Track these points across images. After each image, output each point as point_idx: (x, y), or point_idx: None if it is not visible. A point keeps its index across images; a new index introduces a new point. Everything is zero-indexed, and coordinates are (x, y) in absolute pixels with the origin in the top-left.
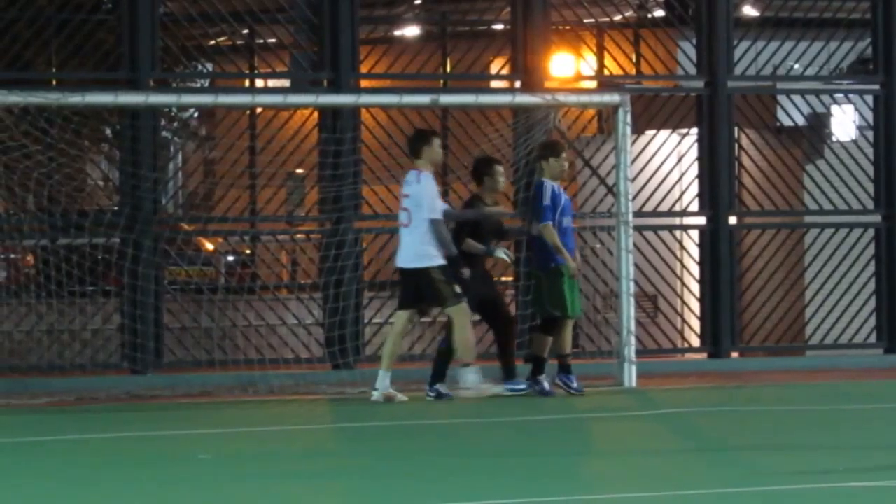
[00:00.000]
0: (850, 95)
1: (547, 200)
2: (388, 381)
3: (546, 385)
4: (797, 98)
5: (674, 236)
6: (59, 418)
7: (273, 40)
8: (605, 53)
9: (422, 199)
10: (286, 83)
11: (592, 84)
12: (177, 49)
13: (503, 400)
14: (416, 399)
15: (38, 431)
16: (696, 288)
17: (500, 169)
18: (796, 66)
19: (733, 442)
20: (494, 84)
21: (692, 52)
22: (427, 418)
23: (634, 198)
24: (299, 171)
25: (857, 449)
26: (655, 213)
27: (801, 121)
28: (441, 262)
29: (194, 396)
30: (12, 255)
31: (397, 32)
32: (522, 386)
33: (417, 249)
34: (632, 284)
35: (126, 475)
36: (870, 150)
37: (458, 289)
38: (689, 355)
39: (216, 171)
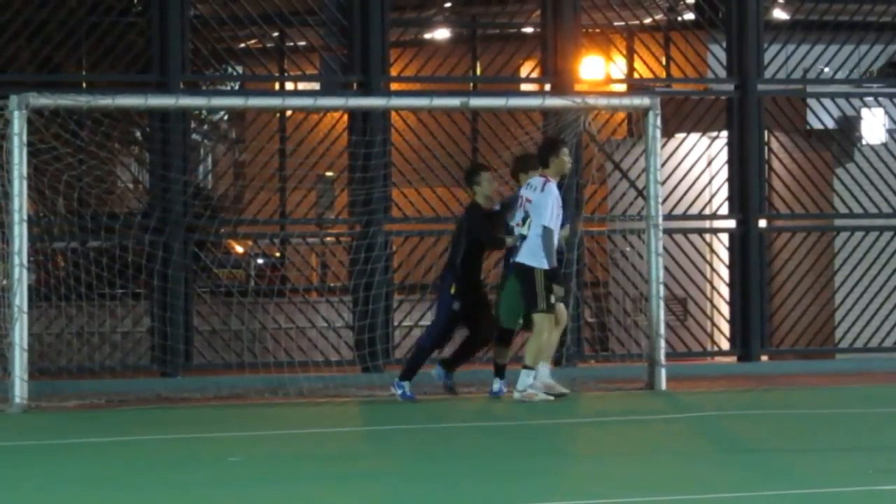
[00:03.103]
0: (880, 98)
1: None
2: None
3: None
4: (827, 101)
5: (703, 239)
6: (89, 420)
7: (303, 43)
8: (635, 56)
9: (542, 206)
10: (316, 86)
11: (622, 87)
12: (207, 52)
13: (531, 403)
14: (441, 401)
15: (68, 434)
16: (725, 291)
17: (487, 176)
18: (826, 69)
19: (763, 445)
20: (524, 87)
21: (722, 55)
22: (454, 421)
23: (664, 201)
24: (329, 173)
25: (887, 451)
26: (685, 217)
27: (830, 124)
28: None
29: (224, 399)
30: (42, 258)
31: (427, 35)
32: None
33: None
34: (661, 287)
35: (156, 477)
36: None
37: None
38: (718, 358)
39: (246, 173)
